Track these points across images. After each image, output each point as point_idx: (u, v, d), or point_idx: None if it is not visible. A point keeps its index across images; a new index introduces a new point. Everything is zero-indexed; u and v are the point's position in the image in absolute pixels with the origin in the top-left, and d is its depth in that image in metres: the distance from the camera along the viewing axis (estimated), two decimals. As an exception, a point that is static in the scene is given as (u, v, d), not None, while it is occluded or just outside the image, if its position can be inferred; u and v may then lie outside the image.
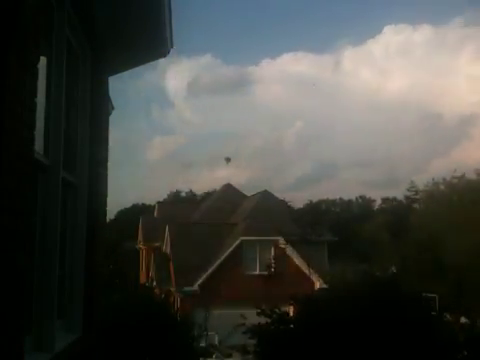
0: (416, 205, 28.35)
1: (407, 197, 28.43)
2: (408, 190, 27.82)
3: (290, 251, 27.46)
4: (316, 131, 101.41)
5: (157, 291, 12.44)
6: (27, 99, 2.47)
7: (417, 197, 27.78)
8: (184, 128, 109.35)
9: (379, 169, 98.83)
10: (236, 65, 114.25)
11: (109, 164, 4.72)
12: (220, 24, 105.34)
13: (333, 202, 75.81)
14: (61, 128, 3.40)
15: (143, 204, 70.52)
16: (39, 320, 3.14)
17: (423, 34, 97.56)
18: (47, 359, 3.06)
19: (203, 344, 9.49)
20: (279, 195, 36.26)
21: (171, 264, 28.93)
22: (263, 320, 8.82)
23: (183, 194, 78.12)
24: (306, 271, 24.54)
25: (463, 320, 9.52)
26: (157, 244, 36.61)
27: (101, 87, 4.42)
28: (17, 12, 2.29)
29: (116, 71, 5.25)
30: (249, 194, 39.84)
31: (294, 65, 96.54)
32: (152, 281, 21.88)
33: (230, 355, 17.35)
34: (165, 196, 74.36)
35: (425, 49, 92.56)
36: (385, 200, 67.58)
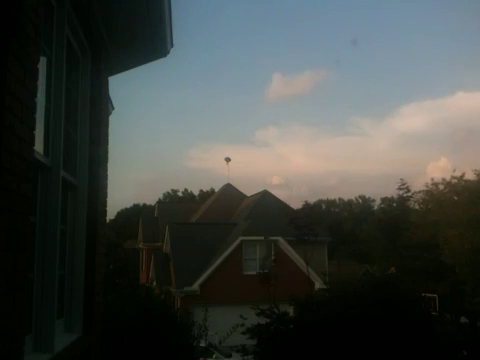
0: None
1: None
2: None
3: (289, 251, 27.47)
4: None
5: (157, 291, 12.43)
6: (27, 99, 2.47)
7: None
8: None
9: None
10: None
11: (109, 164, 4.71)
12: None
13: (333, 202, 75.88)
14: (61, 128, 3.40)
15: (143, 204, 70.64)
16: (39, 320, 3.14)
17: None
18: (47, 359, 3.06)
19: (203, 344, 9.47)
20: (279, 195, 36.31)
21: (171, 264, 28.95)
22: (263, 320, 8.81)
23: (179, 194, 78.22)
24: (305, 271, 24.53)
25: (463, 320, 9.52)
26: (157, 244, 36.66)
27: (101, 87, 4.41)
28: (17, 12, 2.29)
29: (116, 71, 5.25)
30: (249, 194, 39.88)
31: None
32: (152, 281, 21.87)
33: (230, 355, 17.36)
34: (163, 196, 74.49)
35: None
36: (384, 200, 67.52)
